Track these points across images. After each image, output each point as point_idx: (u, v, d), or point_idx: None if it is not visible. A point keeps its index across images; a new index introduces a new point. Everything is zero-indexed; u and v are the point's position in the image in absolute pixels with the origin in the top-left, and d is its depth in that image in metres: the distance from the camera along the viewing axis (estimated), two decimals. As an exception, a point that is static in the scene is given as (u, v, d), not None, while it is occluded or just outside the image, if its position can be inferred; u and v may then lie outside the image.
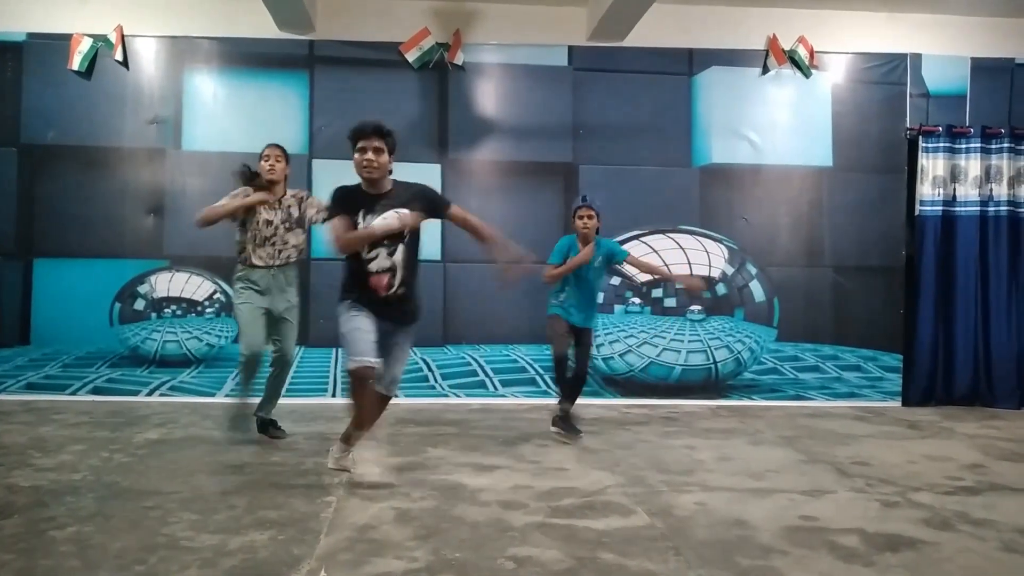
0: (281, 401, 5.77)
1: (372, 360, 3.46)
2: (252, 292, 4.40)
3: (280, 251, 4.43)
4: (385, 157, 3.59)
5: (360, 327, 3.50)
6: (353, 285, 3.61)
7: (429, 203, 3.70)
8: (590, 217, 4.63)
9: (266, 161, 4.42)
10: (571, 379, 4.71)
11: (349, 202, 3.60)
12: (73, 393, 5.92)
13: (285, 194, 4.49)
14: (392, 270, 3.57)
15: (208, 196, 5.96)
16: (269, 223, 4.39)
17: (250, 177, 4.45)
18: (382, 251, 3.56)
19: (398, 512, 3.20)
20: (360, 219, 3.56)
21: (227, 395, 4.50)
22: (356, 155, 3.58)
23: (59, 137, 6.01)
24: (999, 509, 3.38)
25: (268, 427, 4.56)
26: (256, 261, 4.40)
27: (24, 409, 5.43)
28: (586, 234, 4.64)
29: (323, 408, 5.59)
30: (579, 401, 4.89)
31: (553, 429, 4.71)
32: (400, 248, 3.58)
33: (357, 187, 3.65)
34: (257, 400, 4.55)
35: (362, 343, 3.47)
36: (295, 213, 4.48)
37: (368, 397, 3.55)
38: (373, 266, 3.56)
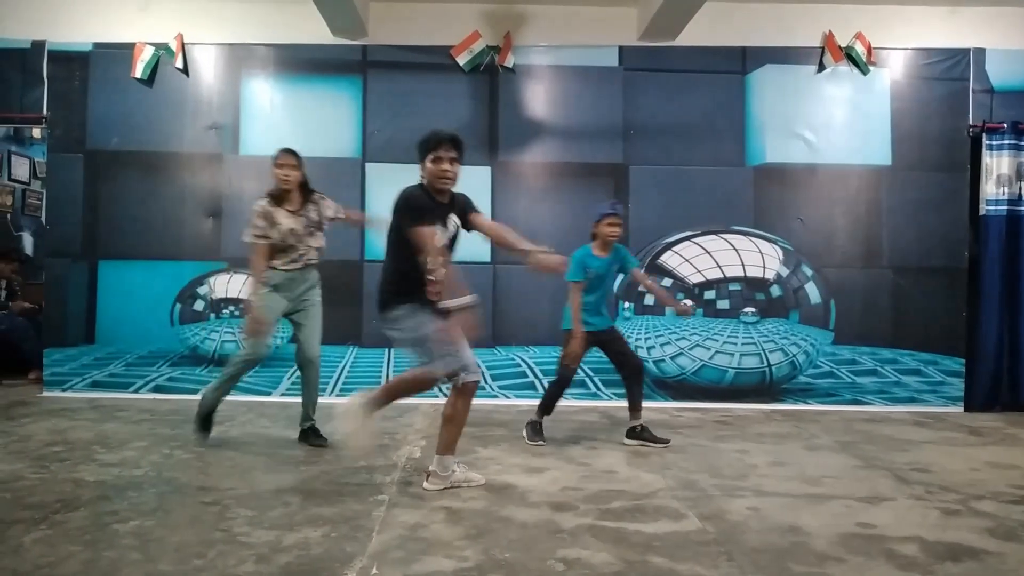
0: (282, 400, 5.87)
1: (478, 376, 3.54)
2: (273, 295, 4.43)
3: (302, 255, 4.48)
4: (458, 167, 3.61)
5: (456, 338, 3.45)
6: (412, 288, 3.51)
7: (462, 208, 3.68)
8: (619, 225, 4.63)
9: (280, 170, 4.41)
10: (630, 378, 4.66)
11: (428, 211, 3.51)
12: (136, 391, 6.10)
13: (304, 200, 4.51)
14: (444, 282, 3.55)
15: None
16: (292, 231, 4.43)
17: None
18: (439, 263, 3.53)
19: (449, 512, 3.22)
20: (437, 228, 3.55)
21: (203, 392, 4.52)
22: (430, 164, 3.55)
23: (122, 143, 6.20)
24: (1068, 519, 3.26)
25: (310, 435, 4.54)
26: (280, 266, 4.44)
27: (89, 406, 5.62)
28: (611, 242, 4.64)
29: (319, 408, 5.64)
30: (628, 404, 4.85)
31: (524, 435, 4.70)
32: (451, 254, 3.64)
33: (426, 193, 3.58)
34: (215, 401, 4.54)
35: (466, 353, 3.49)
36: (314, 217, 4.51)
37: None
38: (433, 276, 3.49)
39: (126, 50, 6.14)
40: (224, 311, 6.18)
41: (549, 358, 6.07)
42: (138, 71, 6.11)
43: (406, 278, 3.53)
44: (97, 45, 6.21)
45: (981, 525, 3.17)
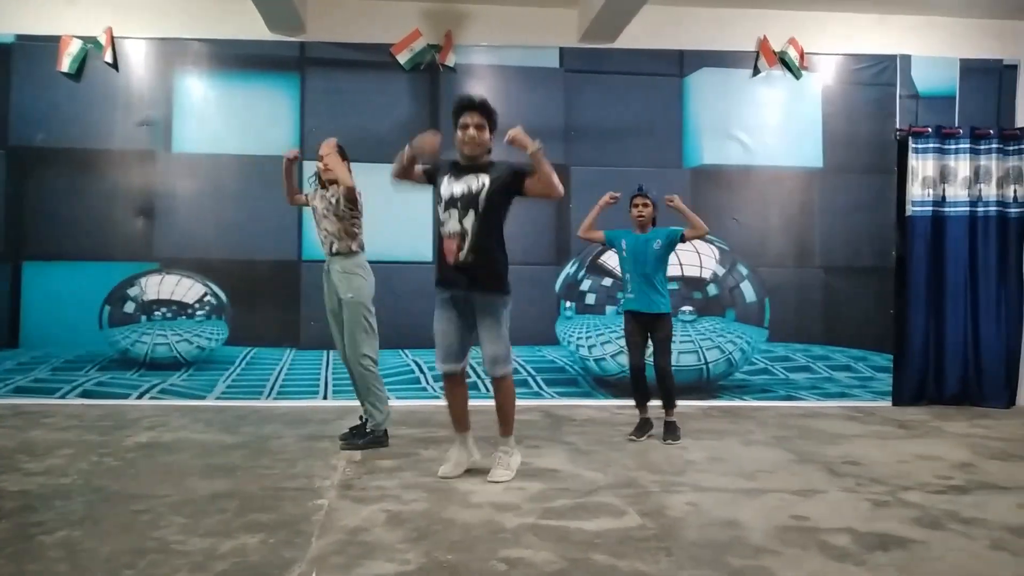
0: (272, 404, 5.77)
1: (446, 366, 3.72)
2: (324, 294, 4.54)
3: (323, 238, 4.49)
4: (487, 134, 3.66)
5: (438, 330, 3.73)
6: (438, 260, 3.74)
7: (511, 174, 3.65)
8: (645, 205, 4.74)
9: (320, 160, 4.50)
10: (658, 382, 4.74)
11: (439, 170, 3.73)
12: (62, 396, 5.89)
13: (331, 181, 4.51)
14: (462, 235, 3.59)
15: (199, 198, 6.02)
16: (315, 210, 4.53)
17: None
18: (454, 213, 3.61)
19: (390, 514, 3.19)
20: (444, 183, 3.67)
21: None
22: (458, 132, 3.65)
23: (48, 139, 5.98)
24: (989, 508, 3.40)
25: (348, 435, 4.50)
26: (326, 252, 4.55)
27: (12, 413, 5.40)
28: (641, 222, 4.75)
29: (314, 411, 5.58)
30: (570, 403, 4.90)
31: (631, 437, 4.75)
32: (471, 213, 3.59)
33: (455, 162, 3.73)
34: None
35: (440, 348, 3.73)
36: (333, 201, 4.45)
37: (452, 397, 3.84)
38: (444, 229, 3.64)
39: (52, 43, 5.92)
40: (156, 313, 6.00)
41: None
42: (65, 65, 5.90)
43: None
44: (20, 37, 5.98)
45: (909, 515, 3.27)
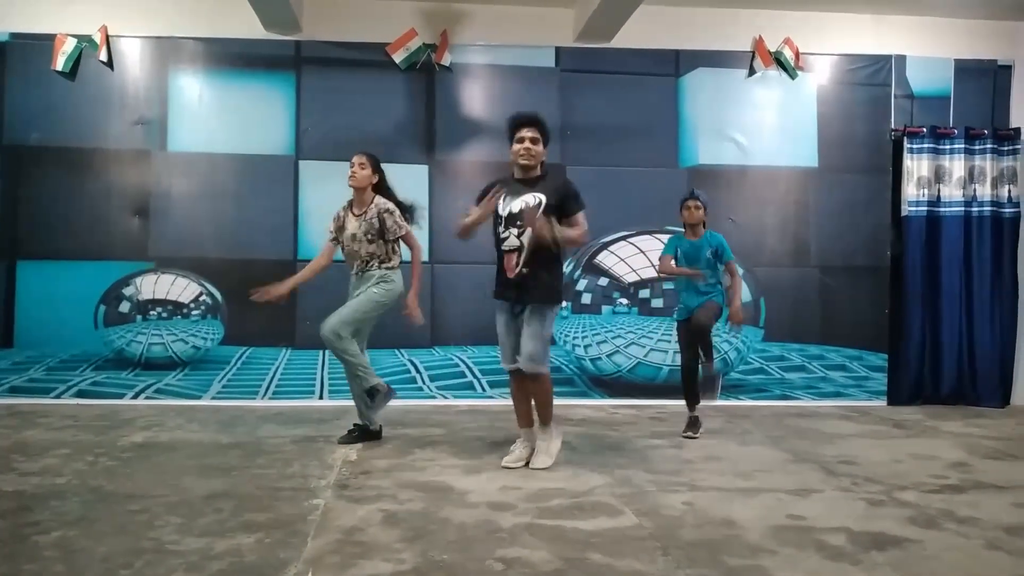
0: (268, 404, 5.76)
1: (506, 366, 3.98)
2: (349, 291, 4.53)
3: (365, 260, 4.44)
4: (540, 147, 3.85)
5: (500, 332, 4.00)
6: (497, 272, 3.94)
7: (561, 201, 3.86)
8: (696, 208, 4.81)
9: (350, 168, 4.47)
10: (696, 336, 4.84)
11: (496, 187, 3.89)
12: (57, 396, 5.87)
13: (372, 203, 4.46)
14: (519, 250, 3.80)
15: (194, 197, 6.01)
16: (354, 236, 4.44)
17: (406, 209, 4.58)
18: (513, 231, 3.82)
19: (386, 514, 3.19)
20: (501, 201, 3.85)
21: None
22: (515, 144, 3.86)
23: (43, 138, 5.96)
24: (983, 507, 3.41)
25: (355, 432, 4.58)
26: (350, 270, 4.54)
27: (7, 413, 5.38)
28: (693, 225, 4.82)
29: (310, 411, 5.57)
30: (566, 402, 4.91)
31: (687, 434, 4.85)
32: (528, 231, 3.78)
33: (509, 176, 3.95)
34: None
35: (501, 349, 4.02)
36: (376, 224, 4.42)
37: (516, 393, 4.07)
38: (504, 245, 3.85)
39: (46, 42, 5.89)
40: (151, 313, 5.99)
41: (487, 358, 6.06)
42: (59, 64, 5.88)
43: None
44: (14, 36, 5.95)
45: (904, 514, 3.28)
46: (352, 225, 4.46)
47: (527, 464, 3.96)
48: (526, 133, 3.83)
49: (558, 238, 3.77)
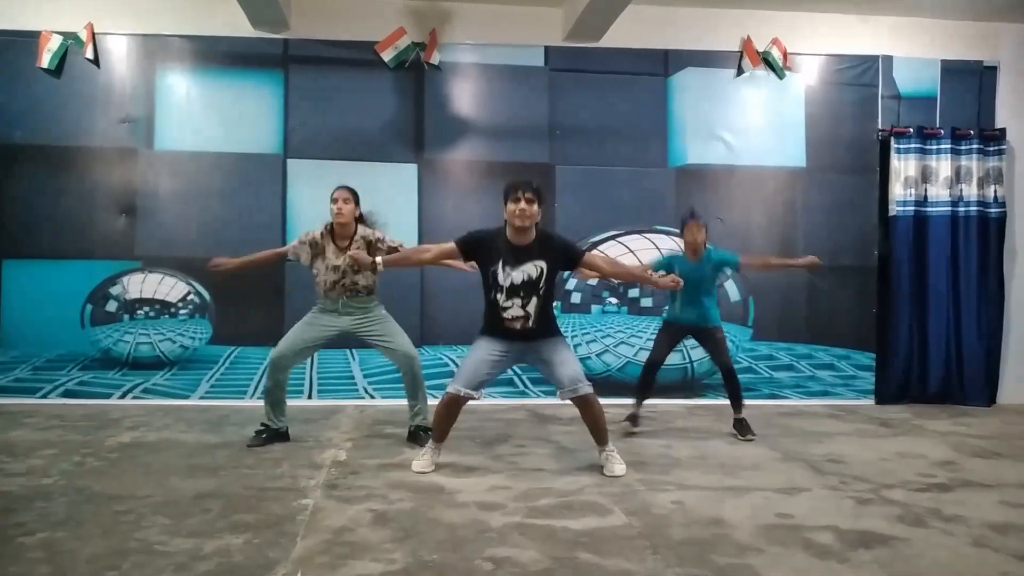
0: (256, 404, 5.74)
1: (463, 390, 3.84)
2: (317, 316, 4.50)
3: (350, 291, 4.44)
4: (536, 207, 3.80)
5: (475, 357, 3.90)
6: (488, 317, 3.93)
7: (565, 258, 3.93)
8: (699, 229, 4.80)
9: (334, 204, 4.40)
10: (723, 377, 4.88)
11: (484, 251, 3.84)
12: (44, 396, 5.82)
13: (355, 236, 4.45)
14: (526, 318, 3.83)
15: (181, 196, 5.97)
16: (336, 268, 4.40)
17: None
18: (517, 302, 3.81)
19: (375, 514, 3.18)
20: (499, 269, 3.81)
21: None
22: (510, 204, 3.78)
23: (27, 136, 5.90)
24: (970, 505, 3.44)
25: (417, 433, 4.55)
26: (325, 303, 4.48)
27: (-7, 413, 5.34)
28: (695, 248, 4.80)
29: (299, 411, 5.54)
30: (555, 401, 4.90)
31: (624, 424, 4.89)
32: (534, 300, 3.82)
33: (498, 234, 3.86)
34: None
35: (467, 372, 3.88)
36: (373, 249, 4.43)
37: (448, 418, 3.98)
38: (507, 314, 3.82)
39: (31, 39, 5.84)
40: (138, 312, 5.95)
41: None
42: (44, 61, 5.83)
43: (486, 310, 3.94)
44: (-1, 33, 5.91)
45: (891, 513, 3.31)
46: (336, 258, 4.42)
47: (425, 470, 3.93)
48: (522, 194, 3.77)
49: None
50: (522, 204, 3.75)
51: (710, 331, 4.86)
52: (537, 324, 3.86)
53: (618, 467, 3.90)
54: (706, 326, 4.85)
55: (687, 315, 4.84)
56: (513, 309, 3.82)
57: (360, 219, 4.54)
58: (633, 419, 4.97)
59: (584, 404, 3.89)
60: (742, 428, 4.86)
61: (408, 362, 4.51)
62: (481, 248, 3.87)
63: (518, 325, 3.83)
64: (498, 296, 3.83)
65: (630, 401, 5.02)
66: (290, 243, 4.63)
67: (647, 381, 4.99)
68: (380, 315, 4.56)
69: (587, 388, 3.86)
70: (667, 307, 5.02)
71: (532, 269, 3.81)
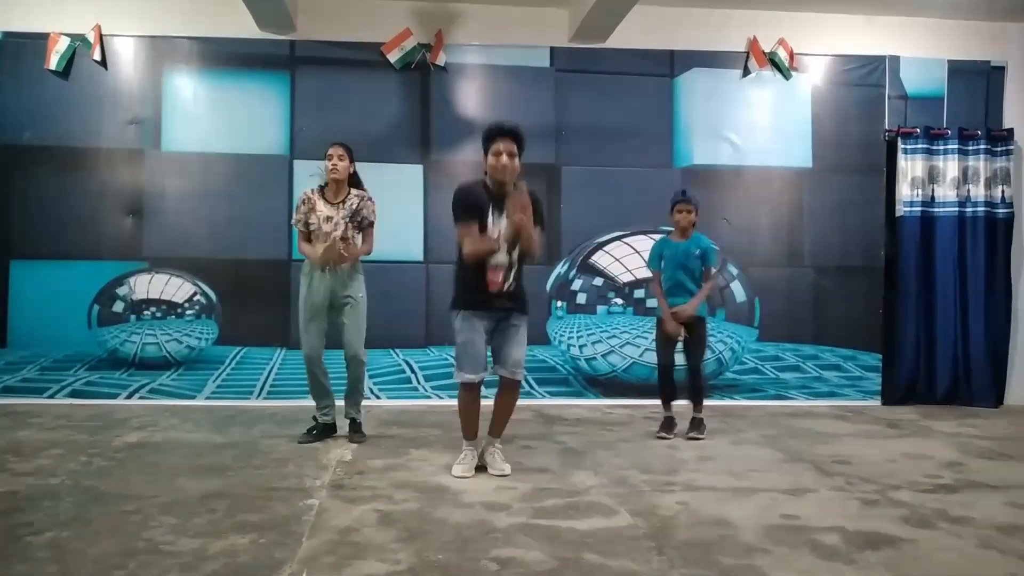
0: (263, 404, 5.75)
1: (479, 375, 3.78)
2: (310, 291, 4.46)
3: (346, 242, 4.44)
4: (517, 162, 3.72)
5: (468, 338, 3.76)
6: (468, 284, 3.75)
7: (536, 214, 3.74)
8: (688, 211, 4.74)
9: (329, 160, 4.44)
10: (687, 373, 4.86)
11: (474, 204, 3.71)
12: (51, 396, 5.85)
13: (350, 192, 4.50)
14: (509, 266, 3.72)
15: (188, 197, 5.99)
16: (330, 219, 4.43)
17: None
18: (504, 246, 3.70)
19: (381, 514, 3.18)
20: (489, 217, 3.71)
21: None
22: (491, 157, 3.68)
23: (36, 138, 5.94)
24: (977, 507, 3.42)
25: (350, 429, 4.63)
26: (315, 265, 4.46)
27: (1, 413, 5.36)
28: (684, 228, 4.76)
29: (305, 411, 5.55)
30: (562, 402, 4.93)
31: (660, 435, 4.80)
32: (516, 250, 3.72)
33: (479, 185, 3.76)
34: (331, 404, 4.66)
35: (470, 356, 3.77)
36: (358, 211, 4.50)
37: (473, 406, 3.89)
38: (493, 261, 3.69)
39: (39, 41, 5.88)
40: (145, 312, 5.97)
41: (482, 358, 6.05)
42: (52, 63, 5.86)
43: (461, 273, 3.80)
44: (7, 35, 5.93)
45: (898, 514, 3.29)
46: (328, 209, 4.45)
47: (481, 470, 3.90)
48: (503, 147, 3.66)
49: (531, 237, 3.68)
50: (504, 159, 3.66)
51: (697, 326, 4.78)
52: (516, 280, 3.76)
53: (507, 466, 3.88)
54: (694, 315, 4.76)
55: (676, 300, 4.75)
56: (500, 255, 3.68)
57: (354, 177, 4.57)
58: (668, 426, 4.85)
59: (513, 389, 3.91)
60: (697, 427, 4.83)
61: (357, 364, 4.56)
62: (472, 202, 3.75)
63: (500, 278, 3.69)
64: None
65: (633, 402, 5.01)
66: (295, 218, 4.56)
67: (668, 383, 4.89)
68: (359, 295, 4.52)
69: (522, 375, 3.91)
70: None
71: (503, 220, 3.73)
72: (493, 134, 3.71)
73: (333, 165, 4.44)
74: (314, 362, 4.54)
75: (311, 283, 4.47)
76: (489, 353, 3.88)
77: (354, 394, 4.64)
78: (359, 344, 4.53)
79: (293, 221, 4.60)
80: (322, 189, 4.52)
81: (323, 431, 4.61)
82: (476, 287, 3.73)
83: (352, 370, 4.58)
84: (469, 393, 3.88)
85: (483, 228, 3.72)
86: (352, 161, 4.54)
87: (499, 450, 3.97)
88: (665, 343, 4.86)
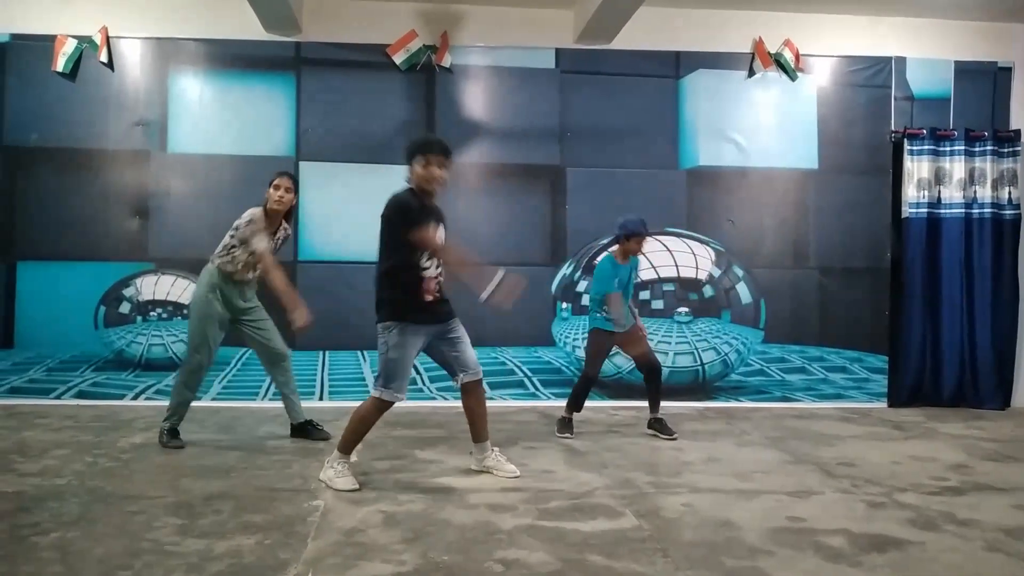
0: (268, 405, 5.77)
1: (403, 397, 3.73)
2: (218, 303, 4.46)
3: (253, 264, 4.49)
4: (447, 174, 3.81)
5: (407, 357, 3.71)
6: (404, 298, 3.67)
7: (441, 219, 3.88)
8: (645, 243, 4.93)
9: (276, 191, 4.40)
10: (647, 377, 4.94)
11: (424, 213, 3.72)
12: (57, 397, 5.86)
13: (282, 224, 4.56)
14: (439, 276, 3.77)
15: (194, 198, 6.00)
16: (269, 239, 4.46)
17: None
18: (434, 260, 3.74)
19: (386, 515, 3.19)
20: (430, 228, 3.73)
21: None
22: (435, 168, 3.71)
23: (43, 139, 5.95)
24: (983, 509, 3.41)
25: (305, 428, 4.73)
26: (239, 277, 4.48)
27: (7, 414, 5.38)
28: (635, 254, 4.93)
29: (310, 412, 5.56)
30: (565, 403, 4.94)
31: (566, 436, 4.87)
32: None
33: (416, 196, 3.74)
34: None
35: (403, 375, 3.71)
36: (282, 239, 4.65)
37: (374, 423, 3.81)
38: (428, 272, 3.71)
39: (46, 42, 5.90)
40: (151, 313, 5.99)
41: (487, 359, 6.05)
42: (59, 65, 5.88)
43: (393, 286, 3.70)
44: (15, 36, 5.95)
45: (904, 516, 3.28)
46: (273, 233, 4.51)
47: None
48: (443, 162, 3.74)
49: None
50: (444, 172, 3.75)
51: (634, 329, 4.93)
52: (444, 287, 3.81)
53: (513, 467, 3.91)
54: (633, 323, 4.95)
55: (626, 321, 4.89)
56: (431, 269, 3.70)
57: (294, 210, 4.64)
58: (567, 427, 4.94)
59: (480, 387, 3.91)
60: (662, 427, 4.89)
61: (286, 359, 4.67)
62: (422, 211, 3.71)
63: (434, 285, 3.72)
64: (422, 259, 3.69)
65: (638, 404, 5.01)
66: (258, 243, 4.31)
67: (581, 394, 4.99)
68: (263, 311, 4.65)
69: (481, 373, 3.92)
70: (596, 312, 4.92)
71: (442, 227, 3.84)
72: (435, 150, 3.74)
73: (279, 197, 4.39)
74: (204, 372, 4.59)
75: (221, 297, 4.45)
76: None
77: (295, 393, 4.75)
78: (283, 344, 4.69)
79: (250, 234, 4.33)
80: (265, 214, 4.40)
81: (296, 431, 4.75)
82: (417, 299, 3.69)
83: (287, 369, 4.69)
84: (383, 410, 3.74)
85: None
86: (296, 194, 4.53)
87: (499, 451, 3.98)
88: (599, 357, 4.95)
